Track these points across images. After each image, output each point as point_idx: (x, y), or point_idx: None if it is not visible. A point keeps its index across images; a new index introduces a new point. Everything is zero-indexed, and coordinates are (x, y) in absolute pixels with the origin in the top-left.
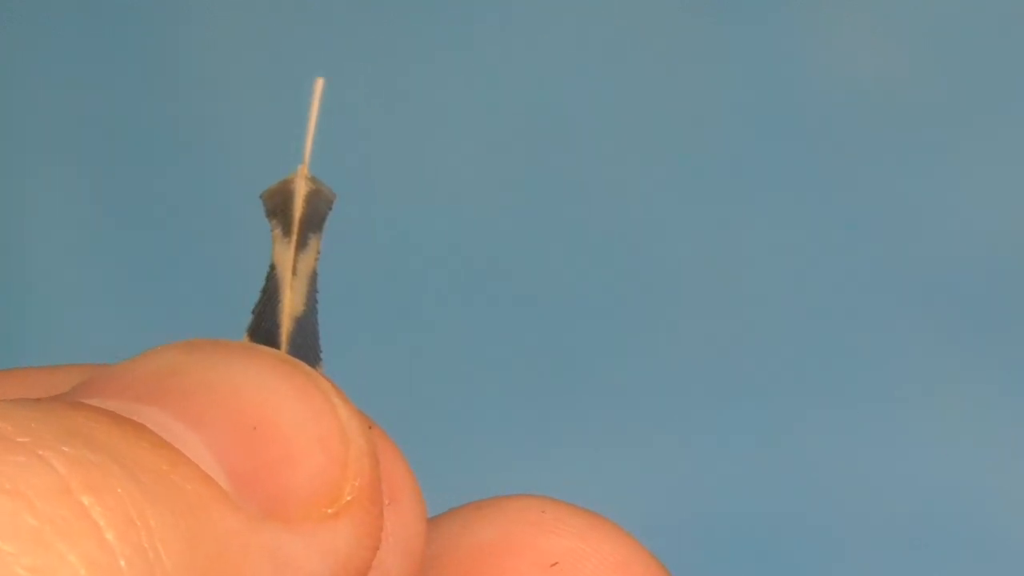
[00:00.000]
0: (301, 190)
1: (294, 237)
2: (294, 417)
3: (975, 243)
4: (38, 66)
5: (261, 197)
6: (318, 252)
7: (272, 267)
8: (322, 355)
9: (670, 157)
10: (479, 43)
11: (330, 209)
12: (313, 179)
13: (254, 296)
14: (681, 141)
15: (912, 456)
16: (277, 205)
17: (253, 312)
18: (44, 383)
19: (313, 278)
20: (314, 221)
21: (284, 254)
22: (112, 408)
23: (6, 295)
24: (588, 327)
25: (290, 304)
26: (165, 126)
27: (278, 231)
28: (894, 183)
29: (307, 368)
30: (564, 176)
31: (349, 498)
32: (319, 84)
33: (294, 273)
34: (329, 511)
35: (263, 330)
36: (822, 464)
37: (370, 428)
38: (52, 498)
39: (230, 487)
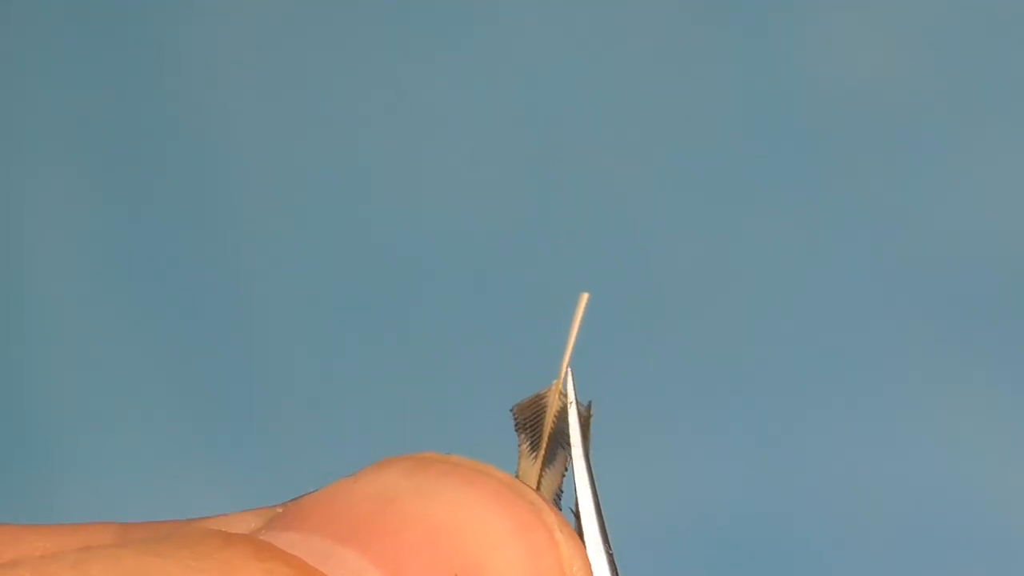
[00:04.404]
0: (553, 406)
1: (541, 452)
2: (509, 556)
3: (975, 243)
4: (38, 66)
5: (511, 411)
6: (565, 470)
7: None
8: None
9: (670, 157)
10: (477, 43)
11: (584, 427)
12: (566, 395)
13: (254, 295)
14: (681, 141)
15: (912, 456)
16: (527, 419)
17: None
18: None
19: (557, 497)
20: (563, 438)
21: (529, 470)
22: (313, 545)
23: (6, 294)
24: (587, 326)
25: None
26: (165, 126)
27: (525, 446)
28: (893, 183)
29: (533, 497)
30: (563, 176)
31: None
32: (583, 299)
33: (538, 489)
34: None
35: None
36: (822, 464)
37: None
38: None
39: None
